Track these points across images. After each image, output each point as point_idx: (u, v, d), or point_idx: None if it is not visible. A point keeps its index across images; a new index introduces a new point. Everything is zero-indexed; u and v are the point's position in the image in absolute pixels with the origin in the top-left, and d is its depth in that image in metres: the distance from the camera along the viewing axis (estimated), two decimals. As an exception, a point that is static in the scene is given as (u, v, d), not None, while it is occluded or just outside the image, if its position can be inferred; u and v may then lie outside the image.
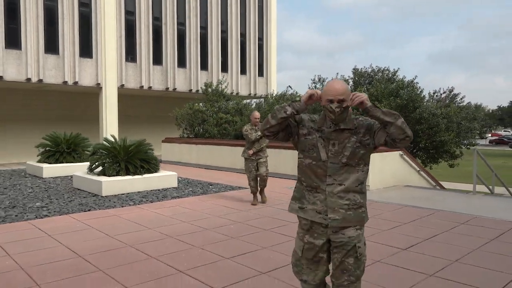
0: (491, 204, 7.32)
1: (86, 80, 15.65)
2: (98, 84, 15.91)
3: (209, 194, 8.55)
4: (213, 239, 5.14)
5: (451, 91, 12.40)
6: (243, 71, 20.69)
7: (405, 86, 10.40)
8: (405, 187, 9.54)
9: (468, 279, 3.75)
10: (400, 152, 9.96)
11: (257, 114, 7.18)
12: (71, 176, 11.19)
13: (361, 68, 12.06)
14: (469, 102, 13.30)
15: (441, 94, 12.38)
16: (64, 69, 15.06)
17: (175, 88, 17.94)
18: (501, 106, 73.74)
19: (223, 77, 18.42)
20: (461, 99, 12.33)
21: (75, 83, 15.34)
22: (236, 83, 20.26)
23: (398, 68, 11.58)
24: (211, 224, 5.91)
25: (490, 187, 9.33)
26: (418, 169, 10.58)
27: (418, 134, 10.68)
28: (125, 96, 18.66)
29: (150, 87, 17.23)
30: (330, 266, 2.49)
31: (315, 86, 12.77)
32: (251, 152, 7.12)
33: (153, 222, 6.01)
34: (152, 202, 7.67)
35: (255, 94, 21.06)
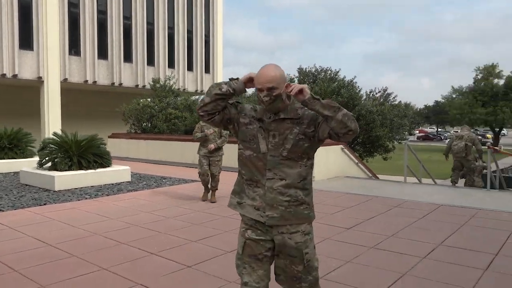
0: (419, 190, 8.34)
1: (27, 73, 15.04)
2: (40, 77, 15.35)
3: (164, 187, 8.81)
4: (176, 226, 5.51)
5: (385, 90, 13.64)
6: (190, 67, 20.85)
7: (345, 85, 11.34)
8: (345, 177, 10.41)
9: (402, 249, 4.49)
10: (341, 146, 10.83)
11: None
12: (14, 173, 10.85)
13: (306, 68, 12.89)
14: (400, 101, 14.64)
15: (376, 93, 13.58)
16: (2, 61, 14.35)
17: (121, 83, 17.73)
18: (427, 105, 79.65)
19: (171, 73, 18.49)
20: (394, 98, 13.62)
21: (14, 76, 14.69)
22: (183, 79, 20.38)
23: (340, 69, 12.58)
24: (171, 213, 6.25)
25: (419, 178, 10.49)
26: (356, 161, 11.55)
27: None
28: (69, 91, 18.09)
29: (95, 82, 16.89)
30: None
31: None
32: (212, 146, 6.87)
33: (114, 213, 6.22)
34: (108, 195, 7.80)
35: (201, 91, 21.31)
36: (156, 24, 19.13)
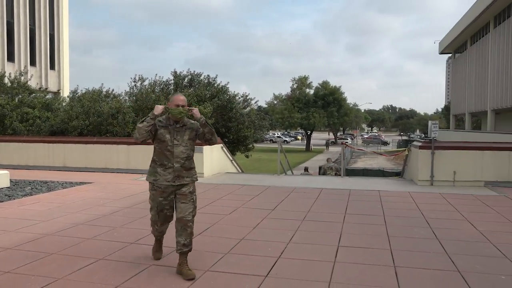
0: (298, 180, 10.13)
1: None
2: None
3: (59, 190, 8.36)
4: (122, 221, 5.73)
5: (246, 96, 15.34)
6: (32, 62, 18.76)
7: (222, 90, 12.53)
8: (226, 173, 11.58)
9: (324, 218, 5.91)
10: (221, 145, 11.97)
11: (180, 98, 3.85)
12: None
13: (180, 72, 13.52)
14: (259, 105, 16.62)
15: (239, 98, 15.14)
16: None
17: None
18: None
19: (24, 67, 16.36)
20: (255, 103, 15.46)
21: None
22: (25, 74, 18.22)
23: (217, 75, 13.65)
24: (101, 212, 6.31)
25: (288, 171, 12.43)
26: (231, 158, 12.87)
27: (231, 130, 13.00)
28: None
29: None
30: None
31: (135, 85, 13.44)
32: (196, 111, 3.88)
33: (38, 216, 5.94)
34: (2, 201, 7.11)
35: (46, 88, 19.40)
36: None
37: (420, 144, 9.50)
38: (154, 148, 3.86)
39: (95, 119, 12.03)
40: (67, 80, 20.71)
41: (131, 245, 4.61)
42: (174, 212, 3.85)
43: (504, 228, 5.46)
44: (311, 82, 62.59)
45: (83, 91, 14.41)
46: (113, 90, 13.91)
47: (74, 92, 14.79)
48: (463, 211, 6.46)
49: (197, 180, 3.95)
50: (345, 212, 6.37)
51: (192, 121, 4.00)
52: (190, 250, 3.76)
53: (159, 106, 3.83)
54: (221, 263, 4.03)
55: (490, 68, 34.98)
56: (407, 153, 10.82)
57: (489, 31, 35.64)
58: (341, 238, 4.93)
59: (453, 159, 9.12)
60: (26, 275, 3.67)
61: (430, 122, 9.41)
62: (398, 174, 14.01)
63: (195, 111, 3.84)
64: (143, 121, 3.78)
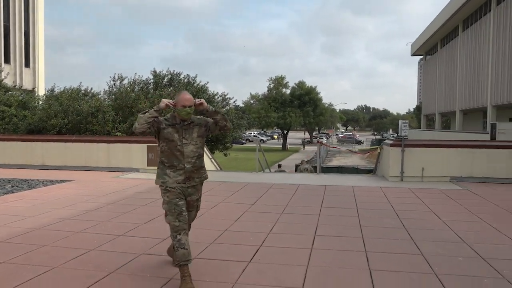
0: (275, 177, 10.49)
1: None
2: None
3: (40, 187, 8.44)
4: (108, 216, 5.94)
5: (225, 95, 15.62)
6: (7, 59, 18.43)
7: (202, 90, 12.77)
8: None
9: (300, 210, 6.27)
10: (201, 144, 12.22)
11: (186, 98, 3.59)
12: None
13: (160, 71, 13.68)
14: (238, 105, 16.93)
15: (218, 97, 15.41)
16: None
17: None
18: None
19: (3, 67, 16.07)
20: (233, 102, 15.75)
21: None
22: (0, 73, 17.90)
23: (196, 74, 13.85)
24: (85, 208, 6.48)
25: (267, 168, 12.79)
26: (210, 157, 13.13)
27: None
28: None
29: None
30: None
31: (114, 84, 13.51)
32: (165, 103, 3.63)
33: (23, 213, 6.07)
34: (-16, 199, 7.16)
35: (21, 86, 19.09)
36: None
37: (391, 142, 10.03)
38: (162, 149, 3.64)
39: (74, 118, 12.06)
40: (42, 78, 20.41)
41: (120, 237, 4.85)
42: None
43: (465, 218, 5.98)
44: (288, 82, 63.51)
45: (60, 90, 14.36)
46: (91, 89, 13.92)
47: (51, 91, 14.69)
48: (429, 203, 6.96)
49: (206, 178, 3.86)
50: (321, 205, 6.76)
51: (199, 117, 3.81)
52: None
53: (164, 100, 3.64)
54: (207, 252, 4.33)
55: (459, 70, 36.42)
56: (379, 151, 11.35)
57: (458, 35, 37.10)
58: (317, 228, 5.30)
59: (421, 156, 9.68)
60: (22, 264, 3.86)
61: (400, 122, 9.96)
62: (371, 171, 14.60)
63: (203, 102, 3.67)
64: (145, 112, 3.59)
